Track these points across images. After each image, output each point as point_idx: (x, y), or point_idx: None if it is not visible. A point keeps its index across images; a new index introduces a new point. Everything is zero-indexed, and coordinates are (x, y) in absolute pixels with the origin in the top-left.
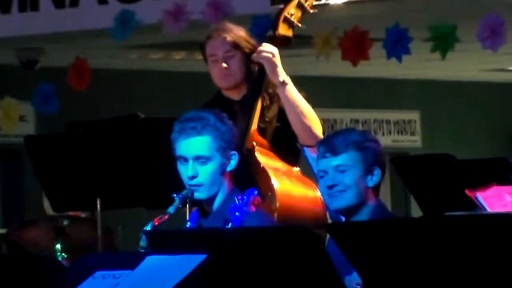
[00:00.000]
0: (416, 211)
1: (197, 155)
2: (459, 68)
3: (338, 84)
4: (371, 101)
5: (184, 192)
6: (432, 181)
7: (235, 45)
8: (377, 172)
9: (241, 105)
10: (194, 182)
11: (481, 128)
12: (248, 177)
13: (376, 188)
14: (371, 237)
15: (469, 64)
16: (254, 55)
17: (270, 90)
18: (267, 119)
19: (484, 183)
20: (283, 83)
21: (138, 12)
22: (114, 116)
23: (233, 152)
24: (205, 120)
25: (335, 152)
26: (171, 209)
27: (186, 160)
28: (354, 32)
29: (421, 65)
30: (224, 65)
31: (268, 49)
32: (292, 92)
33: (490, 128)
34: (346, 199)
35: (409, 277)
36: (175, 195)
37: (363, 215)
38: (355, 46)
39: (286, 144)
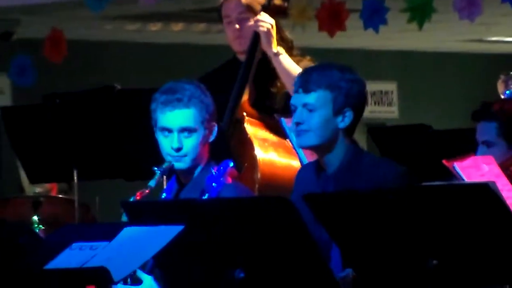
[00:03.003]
0: None
1: (183, 127)
2: (436, 38)
3: (314, 55)
4: None
5: (165, 165)
6: (409, 151)
7: (249, 8)
8: (349, 114)
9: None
10: (179, 153)
11: (458, 99)
12: (225, 147)
13: (349, 130)
14: (348, 207)
15: (446, 35)
16: (252, 23)
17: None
18: (279, 84)
19: (460, 153)
20: (277, 54)
21: None
22: (90, 88)
23: (213, 123)
24: (191, 92)
25: (306, 89)
26: (152, 183)
27: (170, 131)
28: (330, 3)
29: (398, 35)
30: (237, 26)
31: (266, 19)
32: (287, 62)
33: (467, 99)
34: (310, 139)
35: (385, 246)
36: (155, 168)
37: (335, 156)
38: (331, 17)
39: None
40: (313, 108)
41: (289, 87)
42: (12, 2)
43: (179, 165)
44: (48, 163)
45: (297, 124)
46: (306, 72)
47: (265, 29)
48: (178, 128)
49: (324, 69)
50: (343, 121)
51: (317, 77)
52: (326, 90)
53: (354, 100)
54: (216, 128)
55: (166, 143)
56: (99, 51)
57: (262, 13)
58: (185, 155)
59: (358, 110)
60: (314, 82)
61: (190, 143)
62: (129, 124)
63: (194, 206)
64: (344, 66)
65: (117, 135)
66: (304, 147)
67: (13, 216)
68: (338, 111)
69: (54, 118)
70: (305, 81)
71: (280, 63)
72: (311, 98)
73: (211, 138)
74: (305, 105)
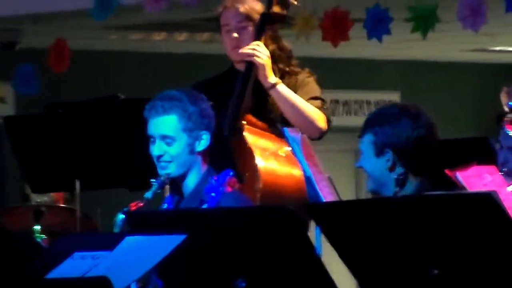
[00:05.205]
0: None
1: (163, 134)
2: (439, 48)
3: (318, 65)
4: (351, 81)
5: (162, 177)
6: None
7: (248, 17)
8: (388, 154)
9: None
10: (161, 160)
11: (461, 109)
12: (229, 156)
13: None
14: (349, 216)
15: (450, 45)
16: (247, 52)
17: (281, 66)
18: None
19: (464, 163)
20: (274, 85)
21: None
22: (93, 97)
23: (203, 132)
24: (174, 100)
25: (359, 135)
26: (148, 194)
27: (154, 138)
28: (334, 13)
29: (402, 45)
30: (235, 35)
31: (262, 51)
32: (285, 92)
33: (470, 108)
34: (369, 184)
35: (387, 255)
36: (153, 180)
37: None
38: (335, 26)
39: None
40: (362, 153)
41: (290, 116)
42: (16, 11)
43: (168, 171)
44: (50, 172)
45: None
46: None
47: (262, 62)
48: (159, 136)
49: (377, 109)
50: (388, 162)
51: (366, 121)
52: (369, 133)
53: (398, 139)
54: (206, 137)
55: (152, 151)
56: (102, 61)
57: (259, 43)
58: (169, 161)
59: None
60: (364, 126)
61: (171, 151)
62: (132, 134)
63: (195, 215)
64: (405, 105)
65: (120, 145)
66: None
67: (15, 225)
68: (379, 153)
69: (57, 127)
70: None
71: (278, 93)
72: (361, 144)
73: (200, 147)
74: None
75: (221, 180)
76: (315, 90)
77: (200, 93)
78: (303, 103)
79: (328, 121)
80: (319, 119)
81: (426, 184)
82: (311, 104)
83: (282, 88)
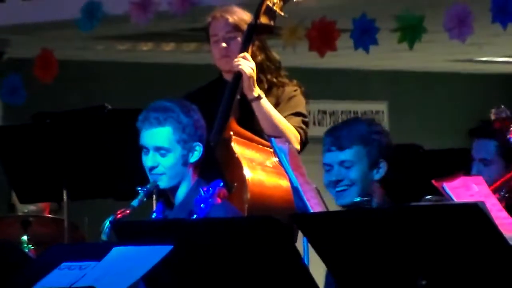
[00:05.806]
0: None
1: (157, 146)
2: (426, 58)
3: (305, 75)
4: (338, 92)
5: (149, 185)
6: (399, 171)
7: (236, 27)
8: (383, 165)
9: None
10: (154, 172)
11: (448, 119)
12: (218, 167)
13: (382, 181)
14: (336, 227)
15: (437, 55)
16: (235, 63)
17: (269, 77)
18: None
19: (451, 173)
20: (258, 98)
21: (105, 3)
22: (81, 107)
23: (196, 143)
24: (168, 111)
25: (339, 147)
26: (134, 203)
27: (147, 149)
28: (321, 23)
29: (389, 55)
30: (224, 45)
31: (249, 63)
32: (267, 106)
33: (458, 118)
34: (352, 194)
35: (375, 266)
36: (139, 188)
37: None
38: (322, 36)
39: None
40: (351, 164)
41: (267, 130)
42: (2, 22)
43: (159, 184)
44: (38, 183)
45: (337, 182)
46: (334, 130)
47: (247, 73)
48: (153, 147)
49: (352, 124)
50: (378, 173)
51: (348, 133)
52: (360, 145)
53: (386, 150)
54: (199, 149)
55: (144, 161)
56: (90, 71)
57: (246, 54)
58: (162, 174)
59: (389, 159)
60: (346, 139)
61: (165, 162)
62: (119, 144)
63: (183, 226)
64: (368, 119)
65: (107, 155)
66: (345, 205)
67: (2, 236)
68: (374, 164)
69: (44, 137)
70: (336, 139)
71: (260, 107)
72: (347, 154)
73: (194, 159)
74: (342, 163)
75: (211, 191)
76: (299, 105)
77: (192, 104)
78: (282, 121)
79: (304, 143)
80: (294, 140)
81: (388, 198)
82: (292, 120)
83: (264, 102)
